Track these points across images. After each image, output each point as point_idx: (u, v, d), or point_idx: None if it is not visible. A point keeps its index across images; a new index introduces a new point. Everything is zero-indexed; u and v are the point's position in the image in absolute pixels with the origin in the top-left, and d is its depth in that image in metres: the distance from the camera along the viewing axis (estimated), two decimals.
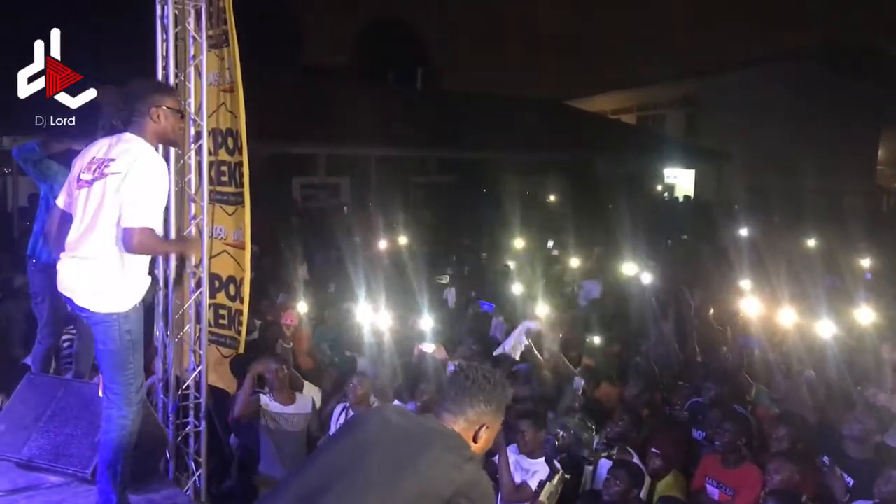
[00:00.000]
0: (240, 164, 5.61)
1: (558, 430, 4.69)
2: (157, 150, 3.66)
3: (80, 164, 3.66)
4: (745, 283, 8.88)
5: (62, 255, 3.61)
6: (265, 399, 5.63)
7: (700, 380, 6.11)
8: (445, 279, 8.84)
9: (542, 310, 6.80)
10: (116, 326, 3.53)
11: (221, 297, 5.88)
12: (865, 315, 7.13)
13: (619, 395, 5.74)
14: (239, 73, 5.43)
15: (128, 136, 3.60)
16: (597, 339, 6.86)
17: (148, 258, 3.69)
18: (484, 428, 2.49)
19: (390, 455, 2.31)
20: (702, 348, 7.09)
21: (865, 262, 10.96)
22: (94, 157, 3.58)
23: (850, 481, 4.55)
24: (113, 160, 3.50)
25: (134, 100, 3.61)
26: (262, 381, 5.75)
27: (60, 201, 3.81)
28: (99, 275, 3.49)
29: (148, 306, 4.24)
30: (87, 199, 3.52)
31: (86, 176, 3.56)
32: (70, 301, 3.60)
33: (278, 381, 5.63)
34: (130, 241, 3.42)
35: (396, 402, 5.53)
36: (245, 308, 5.78)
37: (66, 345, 5.83)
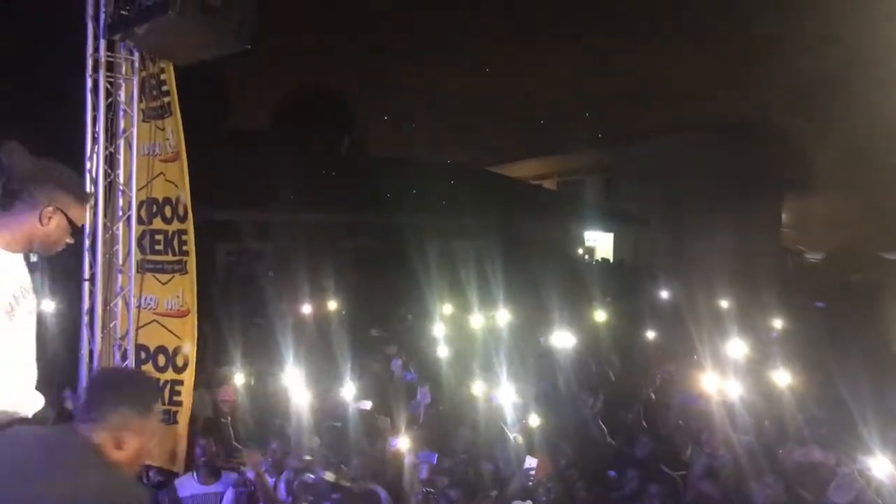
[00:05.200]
0: (181, 231, 5.64)
1: None
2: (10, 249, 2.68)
3: None
4: (669, 344, 9.20)
5: None
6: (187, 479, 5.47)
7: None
8: (393, 350, 8.80)
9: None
10: None
11: (148, 369, 5.77)
12: (781, 377, 7.46)
13: (550, 464, 5.80)
14: (182, 142, 5.50)
15: None
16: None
17: None
18: (129, 434, 2.25)
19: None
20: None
21: (776, 322, 11.53)
22: None
23: None
24: None
25: (30, 180, 2.63)
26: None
27: None
28: None
29: None
30: None
31: None
32: None
33: (206, 459, 5.49)
34: None
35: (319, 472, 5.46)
36: (185, 377, 5.70)
37: None
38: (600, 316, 11.58)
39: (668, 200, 24.93)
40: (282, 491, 5.38)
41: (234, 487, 5.31)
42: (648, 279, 17.01)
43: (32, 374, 2.78)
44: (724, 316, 11.57)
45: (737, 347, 8.73)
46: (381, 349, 8.81)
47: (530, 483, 5.16)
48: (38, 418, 2.77)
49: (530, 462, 5.25)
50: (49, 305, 8.63)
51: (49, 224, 2.66)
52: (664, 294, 14.12)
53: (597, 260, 25.49)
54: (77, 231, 2.80)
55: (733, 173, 24.85)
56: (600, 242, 27.35)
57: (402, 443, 5.71)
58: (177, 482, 5.39)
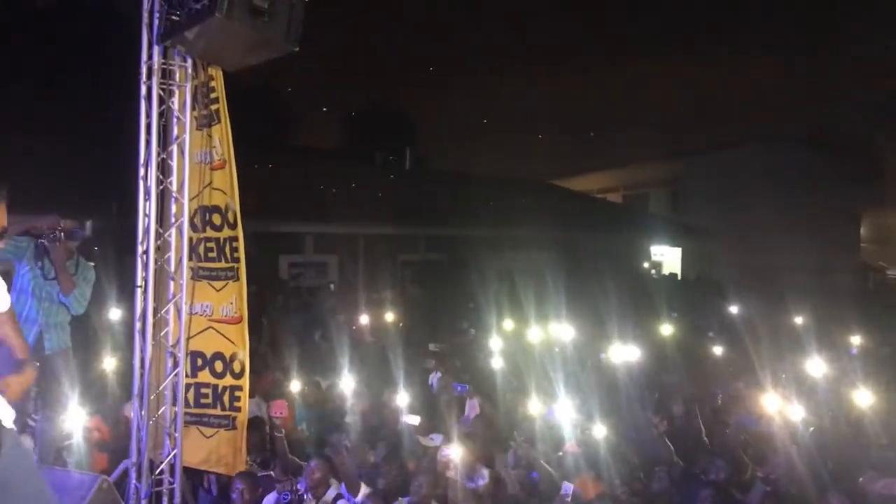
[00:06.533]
0: (232, 238, 5.64)
1: None
2: None
3: None
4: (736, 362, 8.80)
5: None
6: None
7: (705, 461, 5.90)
8: (431, 363, 8.70)
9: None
10: None
11: (205, 375, 5.77)
12: (862, 397, 6.98)
13: (590, 483, 5.52)
14: (230, 149, 5.49)
15: None
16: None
17: None
18: None
19: None
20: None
21: (855, 339, 10.93)
22: None
23: None
24: None
25: None
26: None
27: None
28: None
29: None
30: None
31: None
32: None
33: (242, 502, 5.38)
34: None
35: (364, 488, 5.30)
36: (242, 383, 5.68)
37: (32, 423, 5.66)
38: (666, 331, 11.18)
39: (739, 214, 24.11)
40: None
41: (279, 493, 5.19)
42: (717, 294, 16.40)
43: None
44: (799, 333, 11.03)
45: (814, 366, 8.27)
46: (435, 363, 8.66)
47: None
48: None
49: (567, 488, 4.94)
50: (116, 314, 8.93)
51: None
52: (733, 310, 13.56)
53: (663, 274, 24.82)
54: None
55: (808, 186, 23.92)
56: (667, 257, 26.66)
57: (453, 452, 5.53)
58: None
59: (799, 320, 12.38)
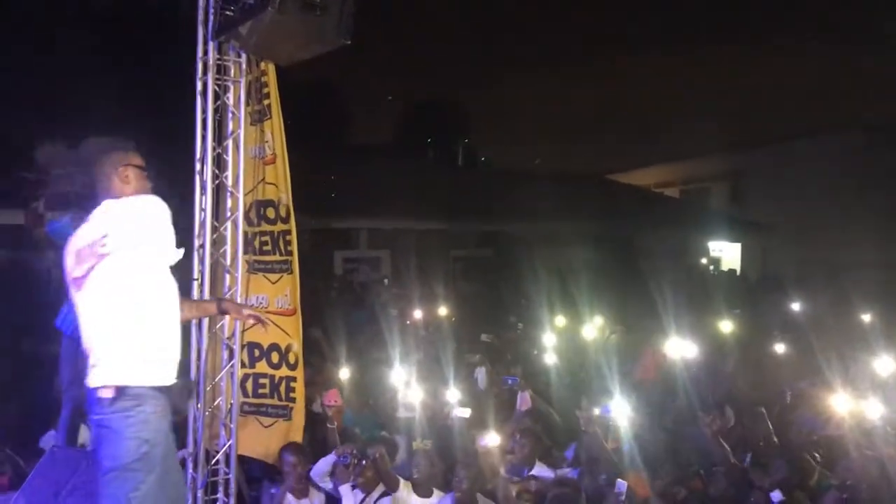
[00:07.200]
0: (285, 232, 5.71)
1: None
2: None
3: (67, 262, 3.17)
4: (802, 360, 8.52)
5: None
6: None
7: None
8: (476, 358, 8.69)
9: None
10: (131, 432, 2.98)
11: (262, 366, 5.87)
12: None
13: (645, 484, 5.37)
14: (282, 143, 5.56)
15: (106, 204, 3.14)
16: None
17: (164, 331, 3.15)
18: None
19: None
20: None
21: None
22: (79, 249, 3.12)
23: None
24: (106, 235, 3.03)
25: (94, 163, 3.17)
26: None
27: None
28: (112, 354, 3.03)
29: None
30: (88, 291, 3.08)
31: (78, 272, 3.11)
32: (87, 401, 3.14)
33: (296, 478, 5.40)
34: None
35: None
36: (297, 374, 5.75)
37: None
38: (725, 327, 10.89)
39: (802, 208, 23.32)
40: None
41: (339, 455, 5.18)
42: (779, 291, 15.91)
43: None
44: (865, 331, 10.61)
45: (883, 364, 7.93)
46: (479, 357, 8.61)
47: None
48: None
49: (620, 485, 4.82)
50: None
51: (130, 180, 3.17)
52: (797, 307, 13.13)
53: (721, 270, 24.22)
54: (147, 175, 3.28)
55: (878, 179, 22.99)
56: (726, 253, 26.00)
57: (490, 441, 5.47)
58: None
59: (866, 318, 11.92)
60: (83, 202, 3.29)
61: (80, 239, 3.14)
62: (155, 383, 3.08)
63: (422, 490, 5.24)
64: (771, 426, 6.52)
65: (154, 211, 3.06)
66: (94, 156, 3.15)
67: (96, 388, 3.03)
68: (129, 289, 3.04)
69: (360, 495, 5.00)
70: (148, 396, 3.04)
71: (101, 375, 3.03)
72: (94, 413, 3.06)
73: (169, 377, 3.16)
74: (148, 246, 3.06)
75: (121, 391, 2.99)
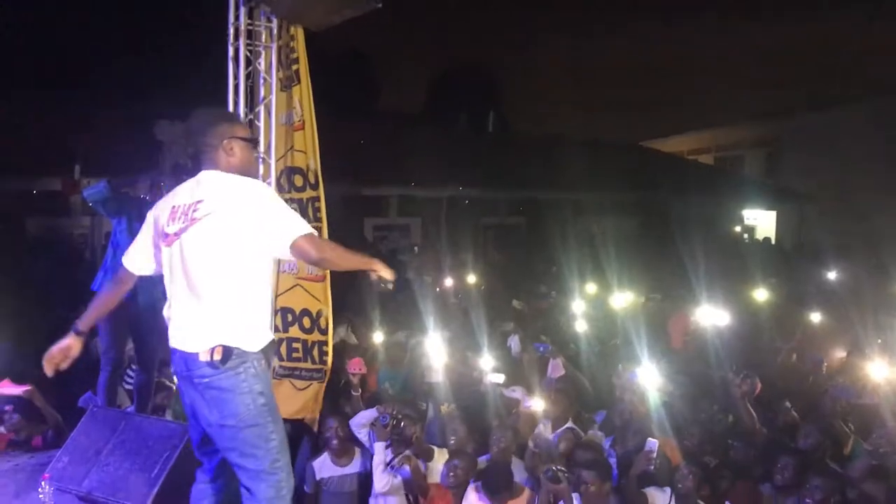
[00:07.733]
0: (314, 199, 5.71)
1: None
2: None
3: (160, 218, 3.26)
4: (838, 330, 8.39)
5: (168, 317, 3.28)
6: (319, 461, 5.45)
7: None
8: (509, 326, 8.67)
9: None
10: (245, 387, 3.10)
11: (295, 331, 5.94)
12: None
13: (675, 447, 5.37)
14: (310, 109, 5.53)
15: (206, 174, 3.20)
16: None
17: (266, 297, 3.21)
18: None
19: None
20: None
21: None
22: (174, 207, 3.20)
23: None
24: (200, 202, 3.09)
25: (200, 133, 3.20)
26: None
27: (130, 263, 3.49)
28: (220, 318, 3.08)
29: None
30: (181, 251, 3.12)
31: (172, 228, 3.16)
32: (184, 364, 3.17)
33: (338, 441, 5.43)
34: (309, 252, 3.06)
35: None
36: (328, 338, 5.81)
37: (129, 379, 5.93)
38: (760, 296, 10.74)
39: (839, 176, 22.77)
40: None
41: (380, 414, 5.21)
42: (815, 260, 15.62)
43: None
44: None
45: None
46: (513, 325, 8.58)
47: (652, 468, 4.77)
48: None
49: (651, 444, 4.82)
50: None
51: (235, 152, 3.22)
52: (833, 276, 12.89)
53: (756, 239, 23.84)
54: (255, 145, 3.45)
55: None
56: (760, 221, 25.57)
57: (535, 404, 5.48)
58: (314, 464, 5.44)
59: None
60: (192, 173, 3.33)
61: (177, 198, 3.22)
62: (256, 348, 3.16)
63: None
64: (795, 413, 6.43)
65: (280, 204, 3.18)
66: (201, 126, 3.20)
67: (199, 352, 3.10)
68: (240, 254, 3.08)
69: (392, 456, 5.06)
70: (251, 355, 3.14)
71: (207, 338, 3.09)
72: (198, 377, 3.11)
73: (267, 338, 3.24)
74: (291, 218, 3.11)
75: (227, 351, 3.07)
